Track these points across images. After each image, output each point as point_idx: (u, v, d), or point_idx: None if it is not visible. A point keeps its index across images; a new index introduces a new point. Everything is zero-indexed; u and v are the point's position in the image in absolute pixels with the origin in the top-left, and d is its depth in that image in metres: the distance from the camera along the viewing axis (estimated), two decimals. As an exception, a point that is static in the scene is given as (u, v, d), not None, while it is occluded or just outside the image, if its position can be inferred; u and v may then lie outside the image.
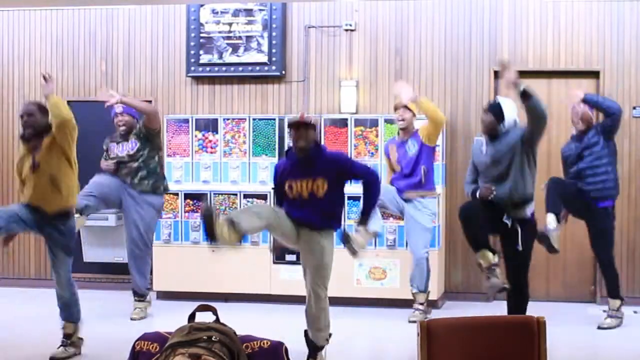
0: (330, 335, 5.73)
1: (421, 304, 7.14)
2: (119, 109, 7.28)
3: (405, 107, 7.15)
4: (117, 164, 7.27)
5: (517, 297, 5.87)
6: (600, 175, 6.80)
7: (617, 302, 6.93)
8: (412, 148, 7.14)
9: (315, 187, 5.41)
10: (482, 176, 5.96)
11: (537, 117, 5.61)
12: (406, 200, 7.16)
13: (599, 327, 6.88)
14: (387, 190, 6.99)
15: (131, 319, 7.22)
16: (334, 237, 5.63)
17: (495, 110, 5.83)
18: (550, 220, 6.61)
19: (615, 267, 6.98)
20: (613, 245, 6.98)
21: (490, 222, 5.83)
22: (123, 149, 7.26)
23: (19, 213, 5.85)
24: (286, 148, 5.96)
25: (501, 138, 5.81)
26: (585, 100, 6.85)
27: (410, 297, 7.34)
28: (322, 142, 7.88)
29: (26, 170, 5.89)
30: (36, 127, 5.86)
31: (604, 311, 7.14)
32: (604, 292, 7.89)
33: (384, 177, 7.27)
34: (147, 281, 7.43)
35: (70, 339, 5.98)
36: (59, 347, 5.95)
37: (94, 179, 7.25)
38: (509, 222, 5.78)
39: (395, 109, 7.25)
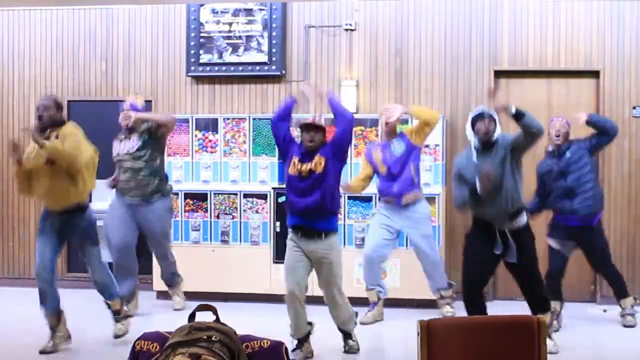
0: (356, 314, 6.24)
1: (450, 297, 7.15)
2: (126, 105, 7.29)
3: None
4: (118, 166, 7.27)
5: (539, 302, 5.93)
6: (589, 190, 6.68)
7: (630, 300, 6.96)
8: (397, 148, 7.02)
9: (314, 165, 5.79)
10: (471, 194, 5.83)
11: (532, 133, 5.70)
12: (402, 208, 7.02)
13: (625, 326, 6.91)
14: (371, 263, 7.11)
15: (175, 309, 7.57)
16: (336, 239, 6.00)
17: (493, 117, 5.86)
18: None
19: (618, 269, 7.01)
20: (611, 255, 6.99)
21: (489, 270, 6.00)
22: (124, 147, 7.22)
23: (50, 251, 6.06)
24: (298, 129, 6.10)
25: (493, 148, 5.83)
26: (589, 122, 6.74)
27: (412, 296, 7.36)
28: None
29: (40, 164, 5.98)
30: (51, 122, 6.04)
31: (604, 310, 7.17)
32: (604, 291, 7.89)
33: (353, 180, 7.27)
34: (177, 274, 7.67)
35: (120, 314, 6.34)
36: (116, 324, 6.34)
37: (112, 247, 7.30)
38: (499, 250, 5.83)
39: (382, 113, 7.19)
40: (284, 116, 6.05)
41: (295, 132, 6.18)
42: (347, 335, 6.11)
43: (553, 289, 6.69)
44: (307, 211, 5.81)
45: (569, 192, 6.66)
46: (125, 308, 6.52)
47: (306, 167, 5.79)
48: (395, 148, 7.04)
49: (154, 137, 7.21)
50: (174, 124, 7.46)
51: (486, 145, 5.83)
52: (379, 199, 7.28)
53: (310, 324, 5.99)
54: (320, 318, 6.08)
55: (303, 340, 5.94)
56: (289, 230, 6.01)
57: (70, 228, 6.09)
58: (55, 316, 6.10)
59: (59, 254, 6.27)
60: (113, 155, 7.29)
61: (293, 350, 5.81)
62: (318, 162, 5.78)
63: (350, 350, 6.09)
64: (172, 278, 7.68)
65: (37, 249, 6.17)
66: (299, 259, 5.88)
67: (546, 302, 6.00)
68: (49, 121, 6.03)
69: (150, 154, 7.19)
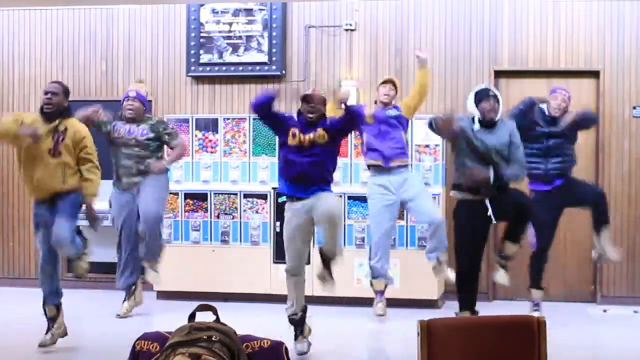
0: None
1: (447, 262, 7.04)
2: (132, 93, 7.32)
3: (393, 84, 7.17)
4: (118, 143, 7.24)
5: (520, 220, 6.15)
6: (567, 155, 6.86)
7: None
8: (390, 112, 7.12)
9: (317, 136, 5.75)
10: (469, 157, 6.03)
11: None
12: (392, 171, 7.01)
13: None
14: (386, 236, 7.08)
15: (148, 281, 7.48)
16: (332, 194, 5.99)
17: (497, 97, 6.13)
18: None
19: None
20: None
21: (483, 239, 6.17)
22: (131, 132, 7.21)
23: (48, 245, 6.04)
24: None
25: (497, 127, 6.05)
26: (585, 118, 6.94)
27: (412, 296, 7.37)
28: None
29: (41, 149, 5.98)
30: (58, 107, 6.07)
31: (604, 310, 7.18)
32: (604, 291, 7.90)
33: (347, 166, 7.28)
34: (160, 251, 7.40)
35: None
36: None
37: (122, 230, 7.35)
38: (492, 215, 6.04)
39: (384, 82, 7.22)
40: (264, 106, 5.84)
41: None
42: (326, 265, 6.01)
43: (537, 269, 6.87)
44: (302, 174, 5.75)
45: (546, 151, 6.79)
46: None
47: (308, 137, 5.74)
48: (389, 112, 7.13)
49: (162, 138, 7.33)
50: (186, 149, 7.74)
51: (488, 123, 6.05)
52: (369, 168, 7.19)
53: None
54: (321, 318, 6.08)
55: (300, 324, 5.89)
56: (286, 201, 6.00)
57: (57, 209, 6.05)
58: (56, 306, 6.10)
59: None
60: (113, 136, 7.25)
61: (295, 339, 5.78)
62: (321, 135, 5.74)
63: (322, 276, 6.04)
64: (156, 254, 7.34)
65: (37, 245, 6.18)
66: (297, 230, 5.86)
67: (523, 228, 6.18)
68: (57, 106, 6.06)
69: (158, 146, 7.30)
